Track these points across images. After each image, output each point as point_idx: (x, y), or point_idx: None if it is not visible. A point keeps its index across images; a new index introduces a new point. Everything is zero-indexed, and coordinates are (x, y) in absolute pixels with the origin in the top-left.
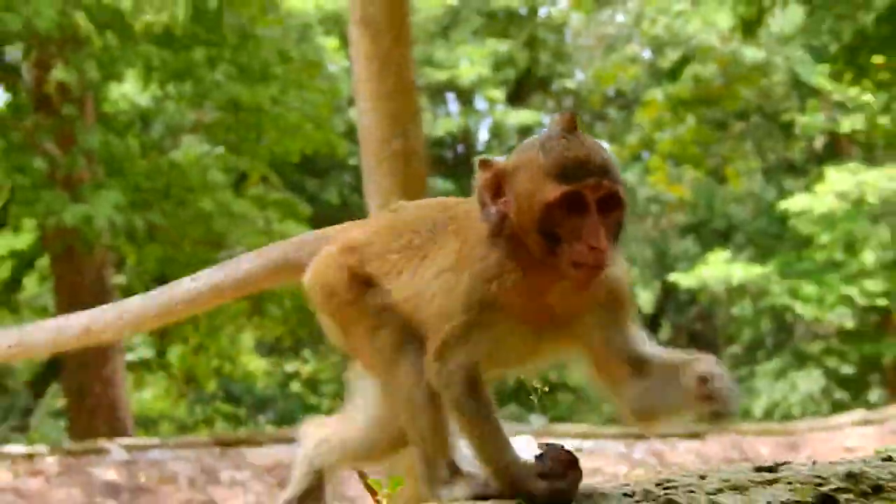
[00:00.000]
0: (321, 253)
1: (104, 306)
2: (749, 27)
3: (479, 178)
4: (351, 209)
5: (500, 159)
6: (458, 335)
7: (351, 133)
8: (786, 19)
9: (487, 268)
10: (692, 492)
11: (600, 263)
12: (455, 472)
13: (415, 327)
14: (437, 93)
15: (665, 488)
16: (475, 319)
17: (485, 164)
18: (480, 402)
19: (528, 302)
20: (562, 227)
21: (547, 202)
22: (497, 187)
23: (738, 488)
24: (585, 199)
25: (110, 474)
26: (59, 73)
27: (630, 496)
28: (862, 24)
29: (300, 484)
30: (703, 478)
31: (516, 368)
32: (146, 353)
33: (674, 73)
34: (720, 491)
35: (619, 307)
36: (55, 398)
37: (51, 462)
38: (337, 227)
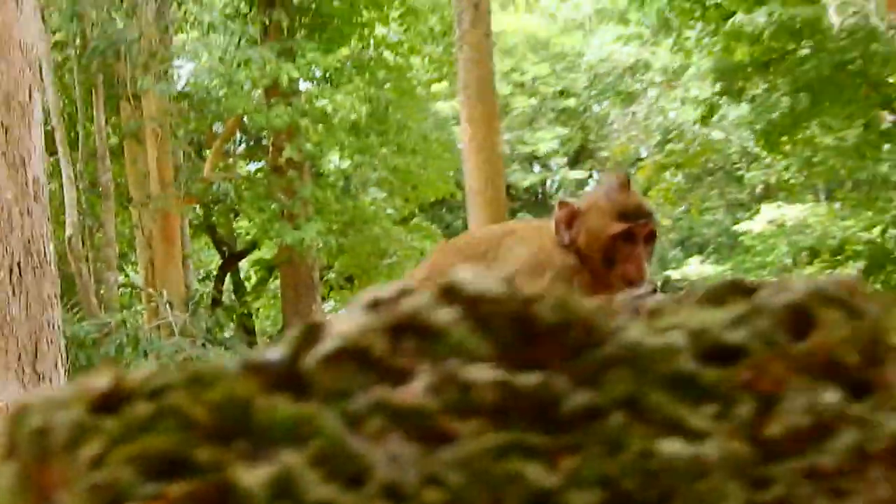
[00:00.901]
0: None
1: None
2: (704, 119)
3: (558, 213)
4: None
5: (572, 201)
6: None
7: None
8: (739, 112)
9: (568, 268)
10: None
11: (642, 279)
12: None
13: None
14: (525, 160)
15: None
16: None
17: (562, 204)
18: None
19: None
20: (618, 252)
21: (611, 234)
22: (570, 220)
23: None
24: (636, 234)
25: None
26: (287, 152)
27: None
28: (778, 115)
29: None
30: None
31: None
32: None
33: (660, 147)
34: None
35: None
36: None
37: None
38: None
